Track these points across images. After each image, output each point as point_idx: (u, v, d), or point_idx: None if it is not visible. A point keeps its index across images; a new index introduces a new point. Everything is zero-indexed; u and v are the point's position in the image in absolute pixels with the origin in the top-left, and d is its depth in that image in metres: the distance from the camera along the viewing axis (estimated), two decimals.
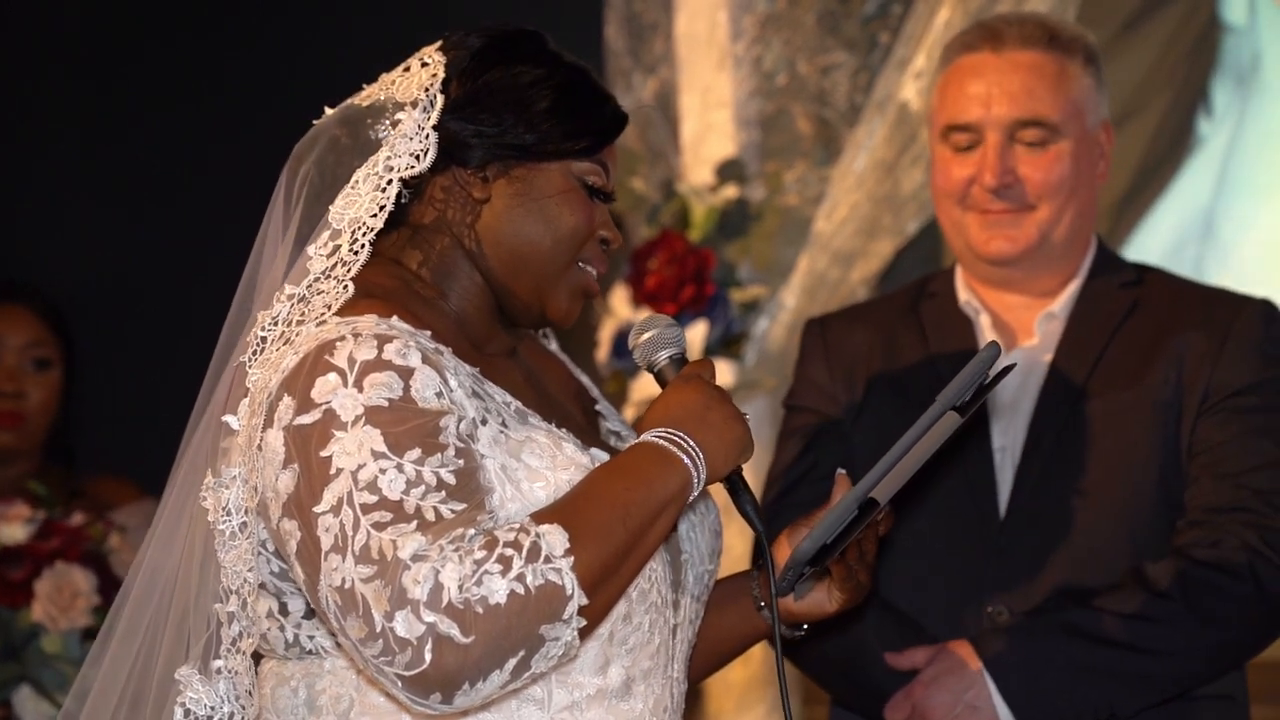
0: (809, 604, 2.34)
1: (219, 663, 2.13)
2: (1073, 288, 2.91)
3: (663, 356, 2.23)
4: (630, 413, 4.26)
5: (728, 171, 4.32)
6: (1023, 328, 2.91)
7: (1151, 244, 4.44)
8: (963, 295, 2.94)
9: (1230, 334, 2.81)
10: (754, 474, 4.12)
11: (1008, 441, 2.84)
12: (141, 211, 5.32)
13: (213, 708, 2.14)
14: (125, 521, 3.77)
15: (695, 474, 2.08)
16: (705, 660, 2.37)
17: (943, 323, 2.93)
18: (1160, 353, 2.81)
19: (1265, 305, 2.87)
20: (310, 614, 2.10)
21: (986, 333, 2.91)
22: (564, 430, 2.14)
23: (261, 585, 2.11)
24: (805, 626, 2.38)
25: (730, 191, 4.30)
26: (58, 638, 3.51)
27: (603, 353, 4.36)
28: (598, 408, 2.38)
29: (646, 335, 2.23)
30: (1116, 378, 2.82)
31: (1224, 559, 2.69)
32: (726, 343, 4.29)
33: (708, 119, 4.39)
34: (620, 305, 4.35)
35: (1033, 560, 2.77)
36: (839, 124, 4.37)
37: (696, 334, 4.26)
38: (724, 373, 4.26)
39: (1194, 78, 4.52)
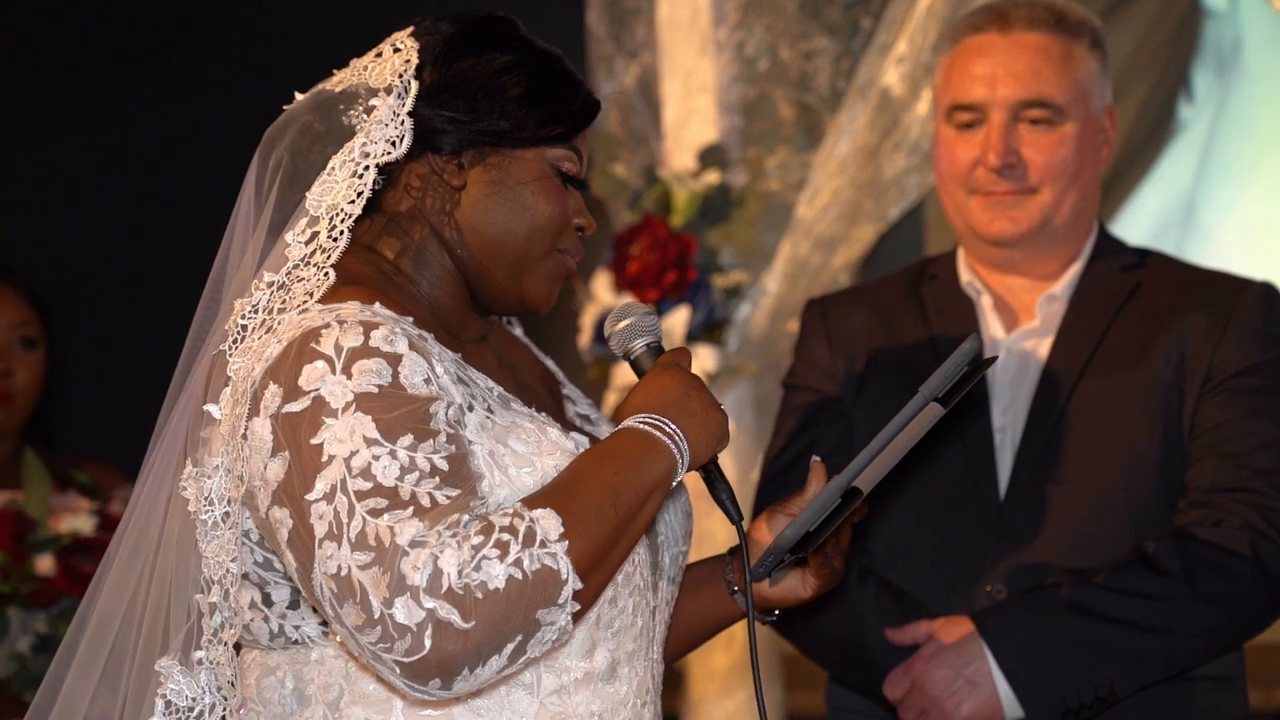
0: (783, 590, 2.35)
1: (200, 654, 2.11)
2: (1074, 270, 2.92)
3: (639, 344, 2.22)
4: (613, 399, 4.25)
5: (710, 157, 4.31)
6: (1024, 309, 2.92)
7: (1133, 228, 4.45)
8: (965, 277, 2.95)
9: (1231, 316, 2.82)
10: (742, 457, 4.16)
11: (1008, 422, 2.85)
12: (133, 196, 5.31)
13: (194, 699, 2.12)
14: (114, 510, 3.78)
15: (680, 459, 2.09)
16: (678, 643, 2.38)
17: (944, 304, 2.94)
18: (1161, 335, 2.82)
19: (1266, 287, 2.89)
20: (295, 604, 2.09)
21: (988, 314, 2.92)
22: (544, 415, 2.14)
23: (244, 576, 2.10)
24: (777, 612, 2.39)
25: (712, 177, 4.30)
26: None
27: (585, 339, 4.35)
28: (565, 391, 2.38)
29: (623, 323, 2.22)
30: (1117, 359, 2.83)
31: (1226, 539, 2.71)
32: (708, 328, 4.28)
33: (690, 104, 4.39)
34: (603, 291, 4.34)
35: (1032, 540, 2.78)
36: (821, 109, 4.37)
37: (679, 320, 4.25)
38: (706, 358, 4.26)
39: (1175, 63, 4.53)
